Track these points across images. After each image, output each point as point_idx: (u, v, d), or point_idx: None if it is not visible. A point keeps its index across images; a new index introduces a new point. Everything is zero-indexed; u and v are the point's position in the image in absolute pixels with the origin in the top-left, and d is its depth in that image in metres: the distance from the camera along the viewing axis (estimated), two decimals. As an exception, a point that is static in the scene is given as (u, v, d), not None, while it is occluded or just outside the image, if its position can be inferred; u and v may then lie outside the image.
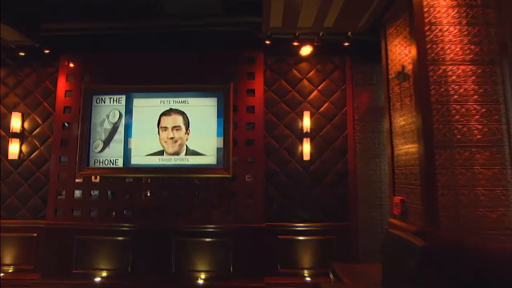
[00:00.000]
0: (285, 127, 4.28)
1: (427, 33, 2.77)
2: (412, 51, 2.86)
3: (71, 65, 4.36)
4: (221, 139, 4.14)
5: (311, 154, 4.16)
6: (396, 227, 2.96)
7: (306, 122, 4.19)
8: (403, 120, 3.07)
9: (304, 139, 4.19)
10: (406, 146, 3.01)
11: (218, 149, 4.15)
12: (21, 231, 4.15)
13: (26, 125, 4.36)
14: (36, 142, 4.33)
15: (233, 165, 4.06)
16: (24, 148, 4.32)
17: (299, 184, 4.18)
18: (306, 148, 4.17)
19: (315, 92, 4.31)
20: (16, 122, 4.30)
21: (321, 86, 4.32)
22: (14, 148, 4.26)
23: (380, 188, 4.13)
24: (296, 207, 4.15)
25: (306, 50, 4.12)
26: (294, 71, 4.36)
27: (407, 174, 2.99)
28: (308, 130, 4.18)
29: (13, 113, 4.31)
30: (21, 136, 4.32)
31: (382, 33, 3.48)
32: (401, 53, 3.11)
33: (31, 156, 4.31)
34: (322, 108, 4.28)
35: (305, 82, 4.34)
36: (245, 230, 4.03)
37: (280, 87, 4.34)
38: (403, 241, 2.46)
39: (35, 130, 4.35)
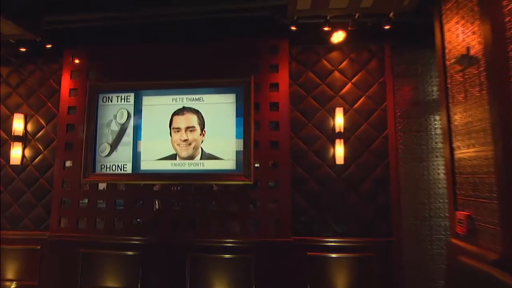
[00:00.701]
0: (314, 126, 3.71)
1: (504, 2, 2.14)
2: (483, 27, 2.23)
3: (76, 61, 3.97)
4: (241, 141, 3.63)
5: (345, 158, 3.58)
6: (463, 251, 2.34)
7: (339, 120, 3.61)
8: (468, 116, 2.44)
9: (337, 140, 3.61)
10: (474, 149, 2.38)
11: (237, 153, 3.63)
12: (24, 243, 3.79)
13: (29, 127, 4.01)
14: (39, 145, 3.97)
15: (254, 171, 3.54)
16: (27, 152, 3.97)
17: (331, 192, 3.60)
18: (339, 150, 3.58)
19: (348, 86, 3.72)
20: (18, 125, 3.95)
21: (355, 78, 3.72)
22: (16, 153, 3.92)
23: (429, 197, 3.50)
24: (327, 219, 3.58)
25: (338, 37, 3.53)
26: (324, 61, 3.79)
27: (475, 184, 2.36)
28: (341, 130, 3.59)
29: (15, 114, 3.97)
30: (24, 139, 3.97)
31: (436, 11, 2.86)
32: (464, 31, 2.48)
33: (35, 161, 3.95)
34: (357, 104, 3.68)
35: (336, 74, 3.75)
36: (268, 245, 3.50)
37: (307, 81, 3.78)
38: (483, 276, 1.85)
39: (39, 132, 3.99)
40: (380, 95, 3.66)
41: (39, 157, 3.95)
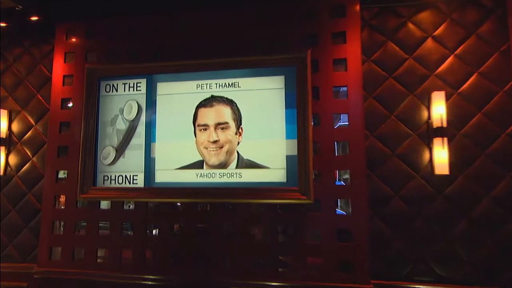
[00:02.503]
0: (398, 120, 2.58)
1: None
2: None
3: (72, 39, 3.02)
4: (294, 142, 2.55)
5: (450, 165, 2.42)
6: None
7: (438, 111, 2.46)
8: None
9: (435, 140, 2.46)
10: None
11: (288, 159, 2.56)
12: (6, 278, 2.89)
13: (14, 127, 3.11)
14: (27, 150, 3.06)
15: (314, 185, 2.45)
16: (11, 159, 3.07)
17: (427, 215, 2.45)
18: (439, 154, 2.43)
19: (450, 59, 2.55)
20: (1, 124, 3.06)
21: (461, 48, 2.54)
22: (-2, 160, 3.04)
23: None
24: (423, 256, 2.44)
25: (437, -14, 2.39)
26: (411, 26, 2.64)
27: None
28: (443, 124, 2.44)
29: (-3, 110, 3.09)
30: (8, 142, 3.07)
31: None
32: None
33: (21, 171, 3.04)
34: (464, 86, 2.51)
35: (430, 43, 2.59)
36: (335, 291, 2.41)
37: (387, 55, 2.64)
38: None
39: (26, 133, 3.09)
40: (502, 71, 2.46)
41: (26, 165, 3.04)
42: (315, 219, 2.50)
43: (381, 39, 2.66)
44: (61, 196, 2.87)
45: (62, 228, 2.85)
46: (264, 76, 2.68)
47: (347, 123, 2.55)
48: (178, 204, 2.88)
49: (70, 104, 2.95)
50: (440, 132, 2.44)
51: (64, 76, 2.98)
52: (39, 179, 2.99)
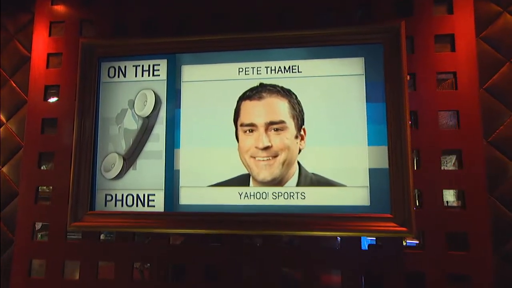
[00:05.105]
0: (524, 120, 1.88)
1: None
2: None
3: (61, 4, 2.19)
4: (380, 150, 1.81)
5: None
6: None
7: None
8: None
9: None
10: None
11: (372, 173, 1.81)
12: None
13: (-24, 125, 2.24)
14: (-6, 158, 2.21)
15: (415, 212, 1.71)
16: (-28, 170, 2.20)
17: None
18: None
19: None
20: (-42, 120, 2.19)
21: None
22: (-47, 171, 2.16)
23: None
24: None
25: None
26: (537, -8, 1.95)
27: None
28: None
29: (-48, 102, 2.21)
30: (-33, 146, 2.21)
31: None
32: None
33: (-15, 187, 2.18)
34: None
35: (562, 17, 1.91)
36: None
37: (503, 32, 1.94)
38: None
39: (-6, 134, 2.23)
40: None
41: (-7, 179, 2.19)
42: (416, 260, 1.75)
43: (495, 10, 1.95)
44: (43, 223, 2.04)
45: (44, 270, 2.00)
46: (335, 58, 1.93)
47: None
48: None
49: (55, 99, 2.11)
50: None
51: (48, 55, 2.14)
52: (12, 197, 2.13)
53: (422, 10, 1.88)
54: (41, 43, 2.14)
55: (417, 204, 1.81)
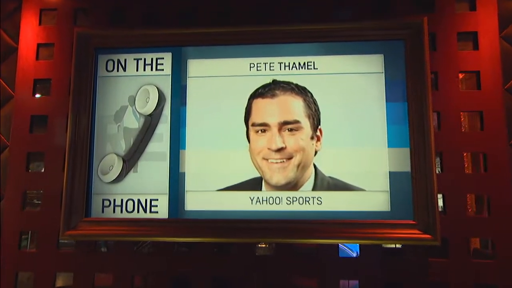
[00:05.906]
0: (548, 122, 1.82)
1: None
2: None
3: (52, -10, 2.00)
4: (402, 152, 1.71)
5: None
6: None
7: None
8: None
9: None
10: None
11: (392, 177, 1.71)
12: None
13: (-45, 122, 2.02)
14: (-24, 159, 1.99)
15: (440, 218, 1.62)
16: (-50, 172, 1.98)
17: None
18: None
19: None
20: None
21: None
22: None
23: None
24: None
25: None
26: (560, -10, 1.89)
27: None
28: None
29: None
30: None
31: None
32: None
33: (-35, 191, 1.96)
34: None
35: None
36: None
37: (525, 30, 1.88)
38: None
39: (-25, 132, 2.01)
40: None
41: (-25, 182, 1.97)
42: (442, 268, 1.66)
43: (517, 8, 1.89)
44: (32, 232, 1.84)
45: (32, 284, 1.80)
46: (353, 54, 1.82)
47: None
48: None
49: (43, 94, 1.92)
50: None
51: (38, 46, 1.94)
52: (-4, 203, 1.92)
53: (444, 6, 1.80)
54: (30, 32, 1.95)
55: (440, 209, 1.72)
